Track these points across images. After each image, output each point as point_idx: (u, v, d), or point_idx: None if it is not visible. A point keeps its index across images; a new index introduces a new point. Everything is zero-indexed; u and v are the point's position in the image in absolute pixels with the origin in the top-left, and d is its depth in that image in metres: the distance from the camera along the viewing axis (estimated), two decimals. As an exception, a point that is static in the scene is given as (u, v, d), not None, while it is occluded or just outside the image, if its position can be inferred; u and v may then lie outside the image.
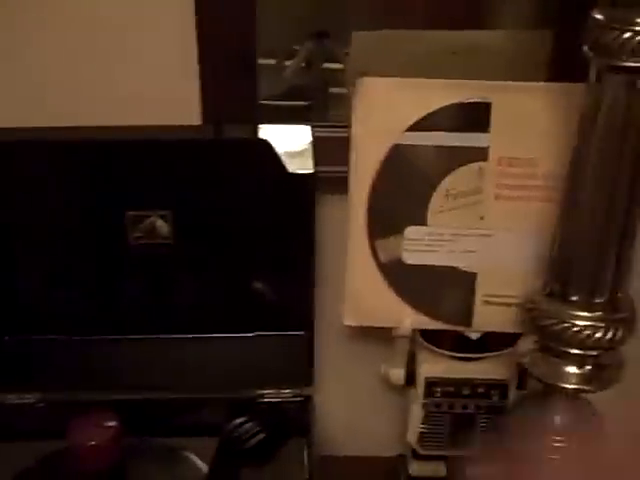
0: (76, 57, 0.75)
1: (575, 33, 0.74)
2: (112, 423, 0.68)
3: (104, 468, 0.67)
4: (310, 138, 0.76)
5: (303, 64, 1.05)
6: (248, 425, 0.78)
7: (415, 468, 0.84)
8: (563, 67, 0.76)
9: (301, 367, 0.82)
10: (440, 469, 0.83)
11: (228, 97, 0.76)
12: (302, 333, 0.81)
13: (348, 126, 0.73)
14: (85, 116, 0.74)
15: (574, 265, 0.63)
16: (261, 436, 0.78)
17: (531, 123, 0.71)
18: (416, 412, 0.79)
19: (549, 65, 0.79)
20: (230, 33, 0.74)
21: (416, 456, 0.83)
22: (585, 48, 0.56)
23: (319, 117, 0.98)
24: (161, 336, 0.83)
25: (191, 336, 0.83)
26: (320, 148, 0.75)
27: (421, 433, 0.80)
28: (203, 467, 0.77)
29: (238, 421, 0.79)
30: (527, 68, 0.80)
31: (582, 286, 0.63)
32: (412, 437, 0.81)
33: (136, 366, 0.83)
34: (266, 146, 0.73)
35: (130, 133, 0.76)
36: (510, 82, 0.71)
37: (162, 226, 0.78)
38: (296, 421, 0.80)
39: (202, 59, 0.75)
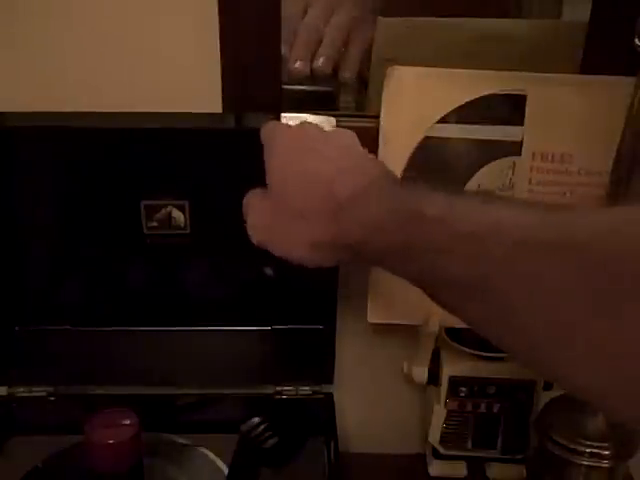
0: (95, 42, 0.71)
1: (609, 25, 0.72)
2: (131, 421, 0.65)
3: (123, 468, 0.65)
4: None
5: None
6: (266, 425, 0.76)
7: (435, 467, 0.82)
8: (595, 59, 0.73)
9: (321, 363, 0.79)
10: (460, 469, 0.81)
11: (251, 82, 0.73)
12: (322, 327, 0.78)
13: (367, 115, 0.71)
14: (102, 102, 0.71)
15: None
16: (279, 436, 0.76)
17: (567, 117, 0.69)
18: (439, 411, 0.77)
19: (580, 56, 0.76)
20: (254, 15, 0.71)
21: (436, 455, 0.81)
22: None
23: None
24: (175, 329, 0.80)
25: (207, 329, 0.80)
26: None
27: (443, 433, 0.78)
28: (221, 465, 0.75)
29: (255, 420, 0.76)
30: (557, 59, 0.77)
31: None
32: (434, 437, 0.79)
33: (149, 360, 0.80)
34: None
35: (147, 120, 0.72)
36: (546, 74, 0.68)
37: (178, 216, 0.75)
38: (316, 419, 0.78)
39: (224, 42, 0.72)
